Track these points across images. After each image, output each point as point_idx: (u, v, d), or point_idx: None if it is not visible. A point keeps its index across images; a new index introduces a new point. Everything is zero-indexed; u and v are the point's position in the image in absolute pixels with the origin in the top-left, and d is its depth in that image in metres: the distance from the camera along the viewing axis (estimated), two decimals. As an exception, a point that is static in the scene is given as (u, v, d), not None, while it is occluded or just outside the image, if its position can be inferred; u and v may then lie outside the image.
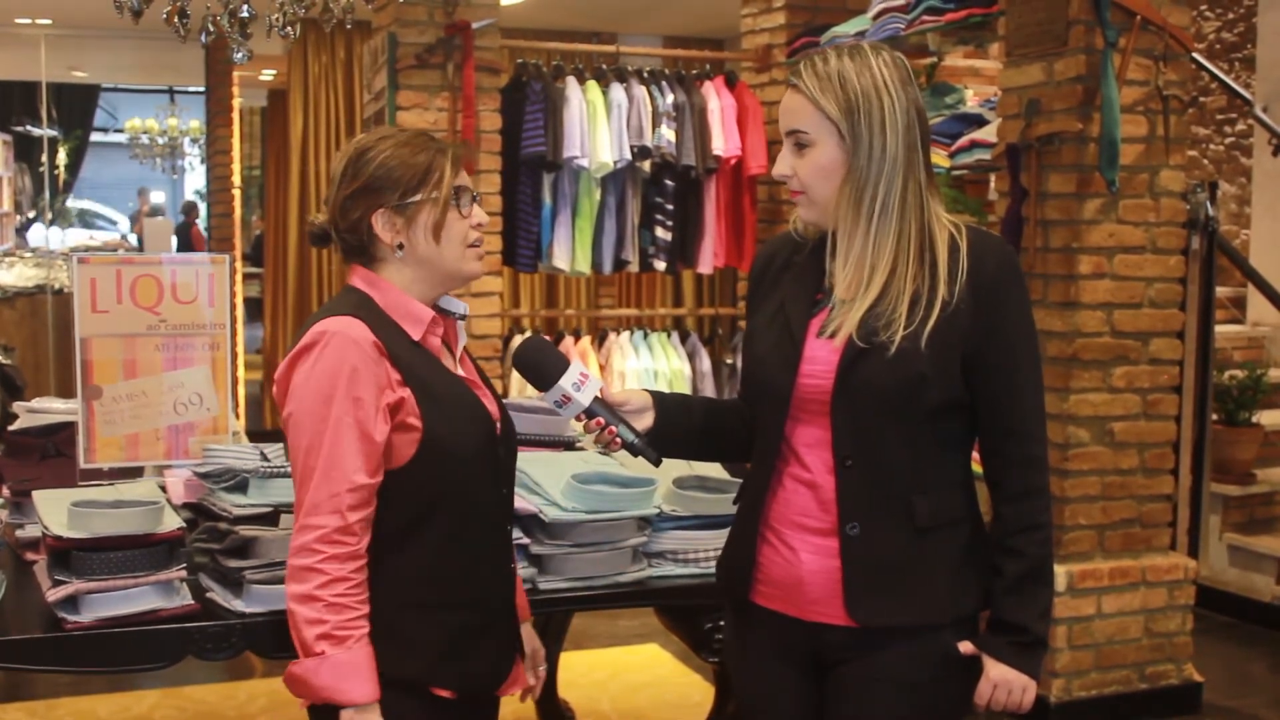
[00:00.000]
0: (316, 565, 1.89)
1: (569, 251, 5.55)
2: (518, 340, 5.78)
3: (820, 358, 1.98)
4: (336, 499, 1.90)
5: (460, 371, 2.11)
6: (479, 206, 2.08)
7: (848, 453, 1.96)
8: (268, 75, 10.37)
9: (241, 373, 8.79)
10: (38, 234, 11.65)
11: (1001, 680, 1.99)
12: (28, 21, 8.95)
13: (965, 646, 2.00)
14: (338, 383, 1.91)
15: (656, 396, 2.10)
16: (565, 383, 2.01)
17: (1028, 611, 1.99)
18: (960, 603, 2.01)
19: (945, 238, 1.97)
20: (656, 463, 2.08)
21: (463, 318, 2.14)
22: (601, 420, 2.02)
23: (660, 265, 5.75)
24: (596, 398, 2.02)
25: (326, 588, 1.89)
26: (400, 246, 2.02)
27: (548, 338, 5.61)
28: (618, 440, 2.03)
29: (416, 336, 2.02)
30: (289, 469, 2.12)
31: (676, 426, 2.11)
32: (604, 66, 5.72)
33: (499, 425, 2.10)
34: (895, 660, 1.99)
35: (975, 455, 2.07)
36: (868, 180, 1.94)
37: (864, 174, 1.94)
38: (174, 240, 12.23)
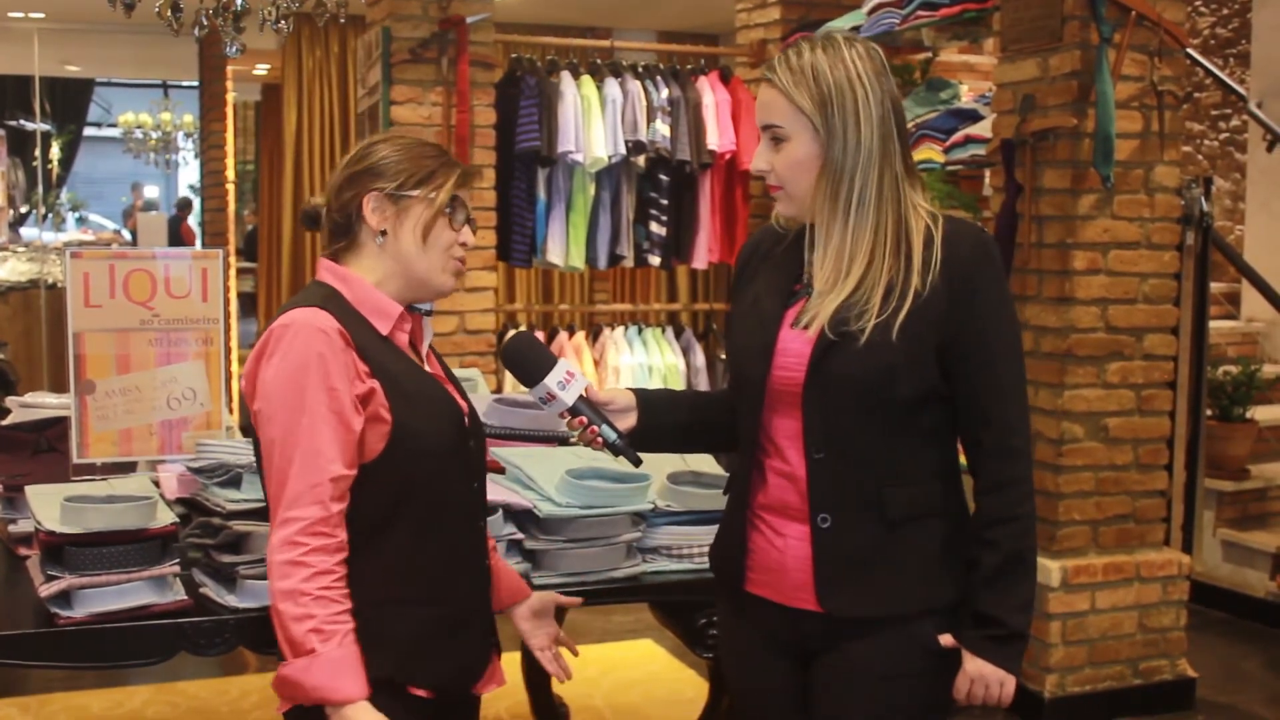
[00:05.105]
0: (301, 558, 1.84)
1: (563, 247, 5.54)
2: (510, 335, 5.77)
3: (793, 350, 1.98)
4: (318, 489, 1.86)
5: (427, 367, 2.10)
6: (470, 228, 2.07)
7: (818, 445, 1.96)
8: (261, 70, 10.37)
9: (235, 368, 8.75)
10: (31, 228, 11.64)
11: (978, 675, 1.97)
12: (20, 15, 8.92)
13: (945, 639, 1.99)
14: (309, 372, 1.88)
15: (641, 395, 2.11)
16: (550, 381, 2.02)
17: (1004, 604, 1.96)
18: (934, 595, 1.99)
19: (921, 228, 1.97)
20: (636, 463, 2.10)
21: (428, 313, 2.13)
22: (584, 419, 2.03)
23: (655, 260, 5.74)
24: (581, 396, 2.04)
25: (312, 580, 1.84)
26: (384, 234, 2.00)
27: (540, 334, 5.65)
28: (599, 440, 2.04)
29: (385, 331, 2.00)
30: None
31: (662, 423, 2.12)
32: (599, 61, 5.71)
33: (467, 419, 2.09)
34: (872, 652, 1.98)
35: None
36: (843, 173, 1.95)
37: (839, 166, 1.95)
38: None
